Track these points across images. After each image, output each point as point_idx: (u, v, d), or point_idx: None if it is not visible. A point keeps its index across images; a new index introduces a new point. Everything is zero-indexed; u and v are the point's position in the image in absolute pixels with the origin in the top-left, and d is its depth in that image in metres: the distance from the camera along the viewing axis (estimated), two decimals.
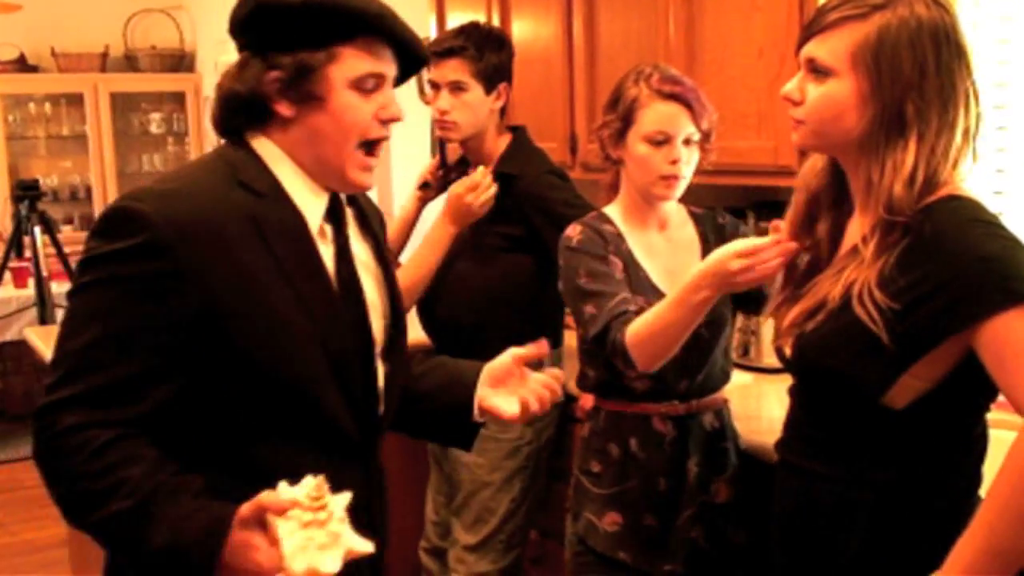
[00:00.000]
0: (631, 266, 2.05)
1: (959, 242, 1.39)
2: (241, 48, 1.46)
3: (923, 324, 1.40)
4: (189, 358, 1.33)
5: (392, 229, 2.63)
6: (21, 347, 4.80)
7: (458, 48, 2.49)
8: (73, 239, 6.02)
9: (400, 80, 1.50)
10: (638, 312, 1.92)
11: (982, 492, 1.46)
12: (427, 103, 2.62)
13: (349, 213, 1.53)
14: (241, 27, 1.43)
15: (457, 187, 2.51)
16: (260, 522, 1.24)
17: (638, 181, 2.06)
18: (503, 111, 2.60)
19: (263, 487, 1.26)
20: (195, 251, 1.31)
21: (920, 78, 1.42)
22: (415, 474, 2.87)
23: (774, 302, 1.67)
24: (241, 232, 1.36)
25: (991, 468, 1.39)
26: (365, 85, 1.42)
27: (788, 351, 1.57)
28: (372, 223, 1.58)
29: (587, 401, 2.15)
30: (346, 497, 1.26)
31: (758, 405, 2.47)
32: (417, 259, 2.56)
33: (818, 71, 1.48)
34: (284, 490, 1.24)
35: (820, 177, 1.60)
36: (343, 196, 1.51)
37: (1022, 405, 1.34)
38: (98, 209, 6.48)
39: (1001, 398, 1.41)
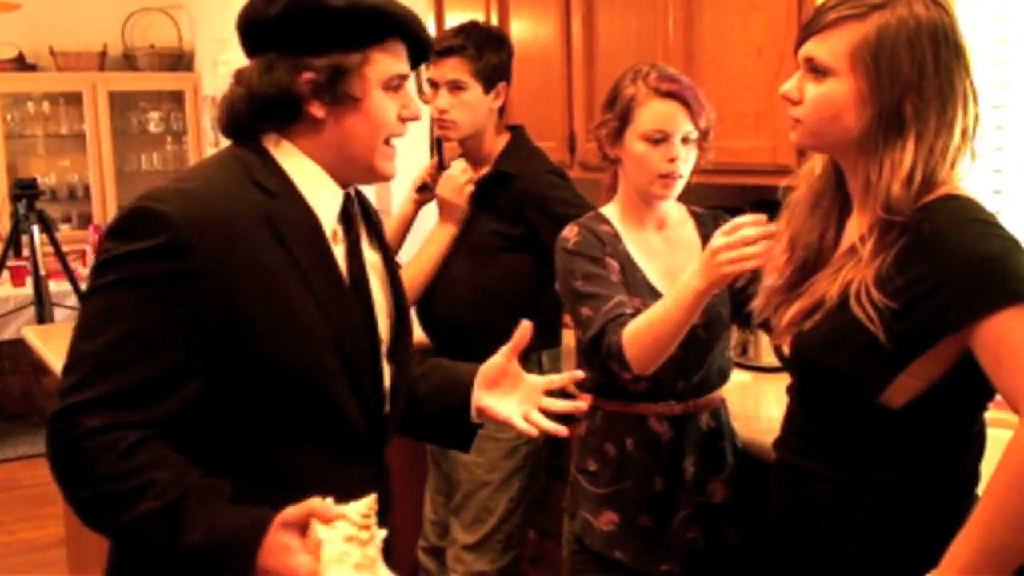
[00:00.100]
0: (628, 267, 2.05)
1: (957, 242, 1.39)
2: (251, 48, 1.43)
3: (921, 323, 1.40)
4: (209, 358, 1.32)
5: (389, 229, 2.63)
6: (19, 346, 4.79)
7: (458, 47, 2.50)
8: (71, 238, 6.03)
9: None
10: (634, 314, 1.92)
11: (980, 491, 1.46)
12: (426, 102, 2.62)
13: (358, 213, 1.53)
14: (264, 27, 1.40)
15: (440, 188, 2.60)
16: (302, 527, 1.24)
17: (636, 180, 2.05)
18: (502, 110, 2.60)
19: (278, 489, 1.27)
20: (216, 251, 1.31)
21: (919, 78, 1.42)
22: (414, 474, 2.87)
23: (761, 299, 1.66)
24: (259, 232, 1.35)
25: (989, 467, 1.39)
26: (393, 85, 1.43)
27: (786, 350, 1.57)
28: (377, 223, 1.59)
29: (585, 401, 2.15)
30: (384, 532, 1.27)
31: (757, 404, 2.47)
32: (419, 259, 2.58)
33: (817, 71, 1.48)
34: (332, 505, 1.24)
35: (819, 177, 1.61)
36: (354, 196, 1.51)
37: (1018, 404, 1.34)
38: (96, 208, 6.48)
39: (999, 397, 1.41)
